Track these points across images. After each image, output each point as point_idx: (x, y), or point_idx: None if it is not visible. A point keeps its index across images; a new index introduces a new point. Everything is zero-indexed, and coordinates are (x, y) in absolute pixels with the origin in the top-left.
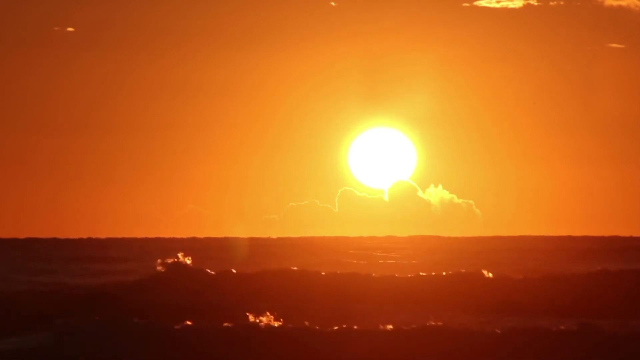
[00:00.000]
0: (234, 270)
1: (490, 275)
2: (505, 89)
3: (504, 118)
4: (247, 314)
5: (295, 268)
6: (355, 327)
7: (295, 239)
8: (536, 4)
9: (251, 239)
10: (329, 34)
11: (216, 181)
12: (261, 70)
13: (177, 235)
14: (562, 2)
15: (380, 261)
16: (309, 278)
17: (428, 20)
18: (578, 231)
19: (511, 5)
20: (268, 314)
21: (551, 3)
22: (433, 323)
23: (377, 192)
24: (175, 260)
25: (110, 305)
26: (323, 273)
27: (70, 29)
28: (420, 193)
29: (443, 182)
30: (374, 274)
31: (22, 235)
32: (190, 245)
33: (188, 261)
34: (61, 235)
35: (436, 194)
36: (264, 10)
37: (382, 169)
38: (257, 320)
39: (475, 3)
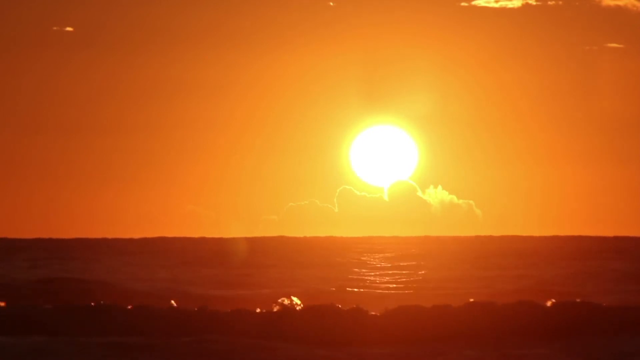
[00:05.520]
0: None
1: None
2: (504, 89)
3: (503, 118)
4: None
5: None
6: None
7: (295, 238)
8: (534, 3)
9: (250, 239)
10: (327, 33)
11: (216, 181)
12: (260, 70)
13: (177, 235)
14: (560, 2)
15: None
16: None
17: (426, 20)
18: (578, 231)
19: (510, 5)
20: None
21: (549, 3)
22: None
23: (377, 191)
24: None
25: None
26: None
27: (69, 29)
28: (419, 193)
29: (443, 182)
30: None
31: (21, 235)
32: (189, 245)
33: None
34: (60, 235)
35: (436, 195)
36: (265, 11)
37: (383, 166)
38: None
39: (474, 3)
